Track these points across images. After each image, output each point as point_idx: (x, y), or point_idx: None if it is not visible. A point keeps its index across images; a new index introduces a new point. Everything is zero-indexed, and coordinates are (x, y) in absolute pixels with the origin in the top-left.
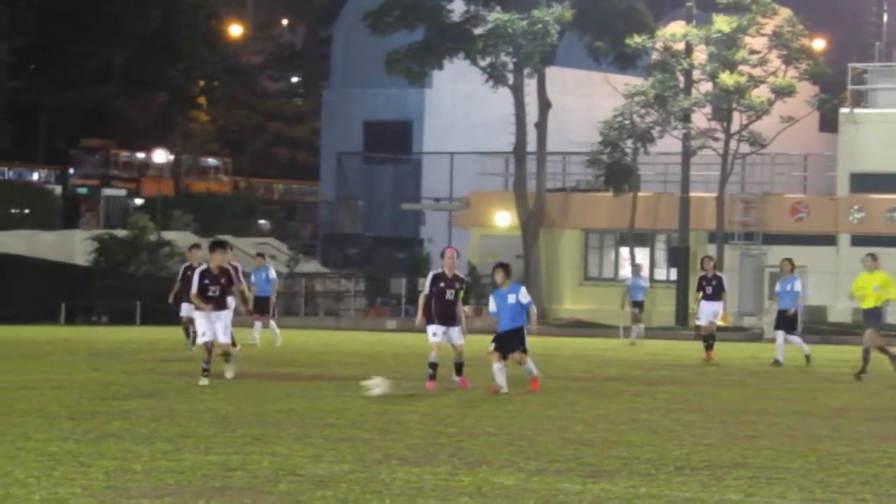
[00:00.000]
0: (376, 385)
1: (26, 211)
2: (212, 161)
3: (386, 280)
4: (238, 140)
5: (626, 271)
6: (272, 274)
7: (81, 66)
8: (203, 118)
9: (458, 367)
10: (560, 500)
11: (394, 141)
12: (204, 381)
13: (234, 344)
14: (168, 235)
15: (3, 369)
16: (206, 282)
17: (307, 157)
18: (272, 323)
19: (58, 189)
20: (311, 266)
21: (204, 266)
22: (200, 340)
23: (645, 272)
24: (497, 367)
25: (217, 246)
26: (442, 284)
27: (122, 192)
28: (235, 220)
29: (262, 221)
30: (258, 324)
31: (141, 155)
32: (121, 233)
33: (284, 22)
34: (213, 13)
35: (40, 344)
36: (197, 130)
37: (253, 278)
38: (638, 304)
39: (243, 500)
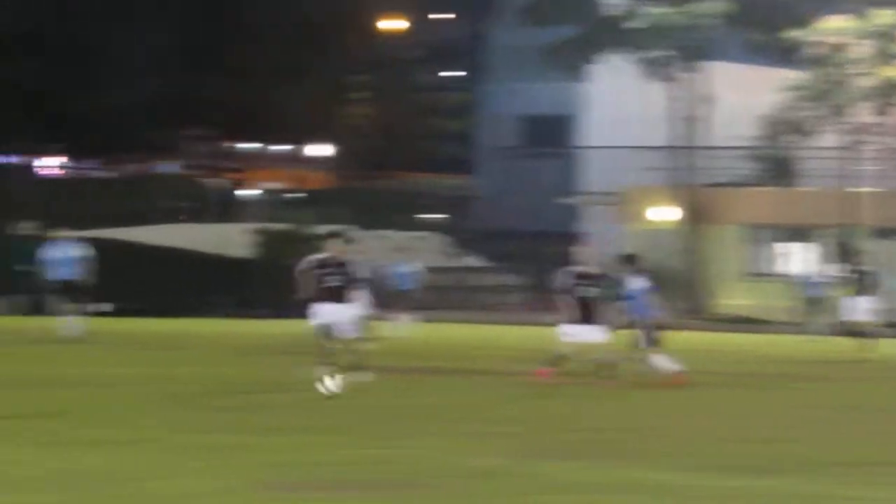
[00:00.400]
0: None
1: (185, 204)
2: (322, 151)
3: (542, 274)
4: (395, 134)
5: (790, 267)
6: (412, 268)
7: (243, 60)
8: (361, 112)
9: (603, 366)
10: (725, 497)
11: (550, 135)
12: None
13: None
14: (326, 229)
15: (162, 361)
16: (326, 271)
17: (463, 151)
18: (405, 316)
19: (216, 182)
20: (468, 260)
21: (323, 255)
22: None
23: (821, 268)
24: (656, 358)
25: (333, 235)
26: (579, 281)
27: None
28: (393, 214)
29: (420, 215)
30: (403, 316)
31: (249, 145)
32: (280, 226)
33: (443, 16)
34: (371, 6)
35: (198, 336)
36: (354, 125)
37: (392, 271)
38: (815, 301)
39: (396, 493)
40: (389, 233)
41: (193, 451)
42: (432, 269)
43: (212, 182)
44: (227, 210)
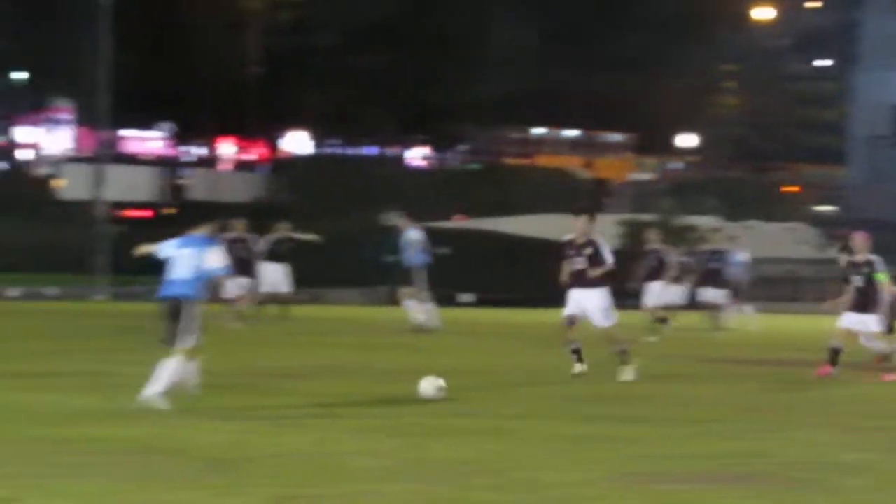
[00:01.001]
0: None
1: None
2: (615, 137)
3: None
4: (764, 124)
5: None
6: (742, 258)
7: (608, 51)
8: (729, 102)
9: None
10: None
11: None
12: (577, 369)
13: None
14: (694, 220)
15: (515, 351)
16: (571, 252)
17: (834, 140)
18: (744, 307)
19: (585, 173)
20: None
21: (570, 236)
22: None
23: None
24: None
25: (582, 211)
26: (852, 269)
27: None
28: (761, 205)
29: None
30: (745, 308)
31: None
32: (646, 217)
33: (812, 4)
34: None
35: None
36: (722, 115)
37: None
38: None
39: (770, 486)
40: (757, 223)
41: (556, 442)
42: (801, 261)
43: (578, 172)
44: (596, 200)
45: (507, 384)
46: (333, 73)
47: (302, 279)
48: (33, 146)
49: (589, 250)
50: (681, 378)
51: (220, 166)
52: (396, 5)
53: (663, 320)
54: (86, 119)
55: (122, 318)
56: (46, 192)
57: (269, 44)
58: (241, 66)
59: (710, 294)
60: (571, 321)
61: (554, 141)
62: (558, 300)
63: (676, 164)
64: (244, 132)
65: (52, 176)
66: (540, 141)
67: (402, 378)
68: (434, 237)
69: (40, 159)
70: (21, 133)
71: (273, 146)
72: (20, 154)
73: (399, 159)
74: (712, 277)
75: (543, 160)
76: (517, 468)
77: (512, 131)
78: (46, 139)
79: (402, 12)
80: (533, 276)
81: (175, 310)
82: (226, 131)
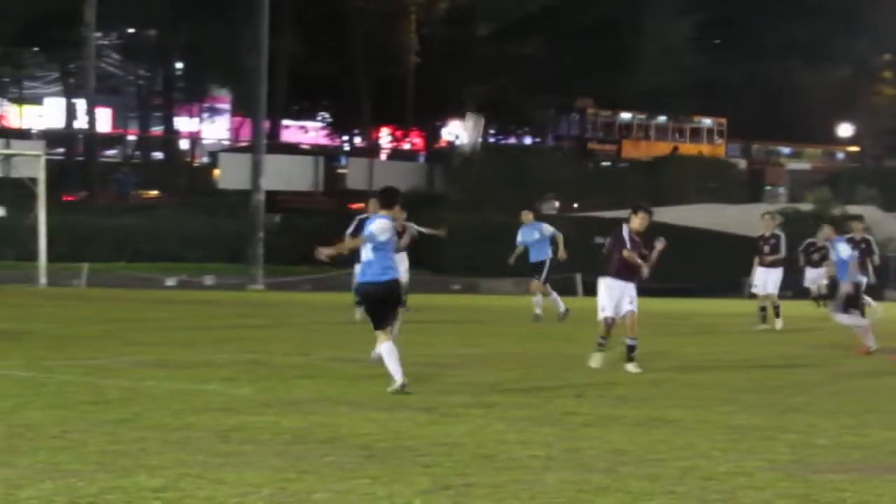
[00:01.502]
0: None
1: (712, 185)
2: (706, 122)
3: None
4: None
5: None
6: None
7: (765, 40)
8: (888, 92)
9: None
10: None
11: None
12: (594, 360)
13: None
14: (852, 209)
15: (664, 340)
16: (629, 246)
17: None
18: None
19: (742, 163)
20: None
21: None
22: (600, 316)
23: None
24: None
25: (639, 209)
26: None
27: (807, 166)
28: None
29: None
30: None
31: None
32: (805, 206)
33: None
34: None
35: (723, 317)
36: (881, 104)
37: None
38: None
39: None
40: None
41: (711, 431)
42: None
43: (736, 163)
44: (754, 190)
45: (660, 373)
46: (491, 63)
47: (457, 269)
48: (192, 136)
49: (644, 246)
50: (836, 367)
51: (378, 156)
52: None
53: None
54: (243, 108)
55: (277, 308)
56: (204, 182)
57: (427, 33)
58: (399, 55)
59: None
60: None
61: (641, 125)
62: (710, 291)
63: (835, 155)
64: (401, 122)
65: (209, 166)
66: (628, 126)
67: (556, 367)
68: (590, 227)
69: (198, 149)
70: (180, 123)
71: (430, 136)
72: (179, 143)
73: (555, 149)
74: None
75: (629, 146)
76: (672, 457)
77: (598, 114)
78: (205, 129)
79: (559, 1)
80: (689, 266)
81: (381, 294)
82: (383, 121)
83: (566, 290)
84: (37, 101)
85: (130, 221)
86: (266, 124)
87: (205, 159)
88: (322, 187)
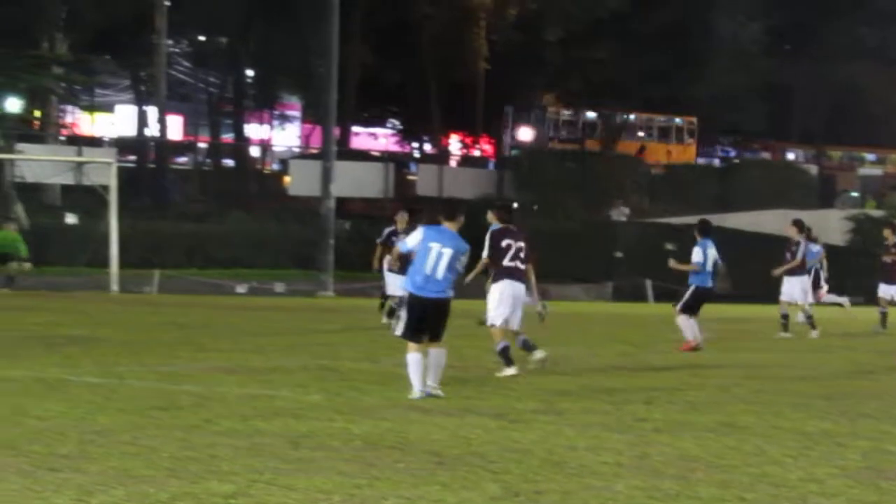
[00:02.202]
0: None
1: (782, 191)
2: (676, 120)
3: None
4: None
5: None
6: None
7: (834, 43)
8: None
9: None
10: None
11: None
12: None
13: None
14: None
15: (736, 347)
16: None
17: None
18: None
19: (813, 168)
20: None
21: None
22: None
23: None
24: None
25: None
26: None
27: (878, 172)
28: None
29: None
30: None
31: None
32: (876, 213)
33: None
34: None
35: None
36: None
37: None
38: None
39: None
40: None
41: (783, 437)
42: None
43: (810, 168)
44: (827, 196)
45: (730, 379)
46: (559, 68)
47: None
48: (262, 143)
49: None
50: None
51: (447, 162)
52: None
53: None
54: (313, 115)
55: (347, 314)
56: (274, 188)
57: (497, 39)
58: (469, 61)
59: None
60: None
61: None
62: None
63: None
64: (471, 128)
65: (280, 172)
66: (593, 124)
67: (626, 372)
68: (662, 232)
69: (269, 156)
70: (250, 130)
71: (499, 142)
72: (249, 151)
73: (626, 154)
74: None
75: (594, 145)
76: (743, 464)
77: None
78: (275, 136)
79: (627, 6)
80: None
81: (435, 307)
82: (453, 127)
83: (636, 295)
84: (108, 108)
85: (201, 228)
86: (336, 131)
87: (275, 166)
88: (392, 194)
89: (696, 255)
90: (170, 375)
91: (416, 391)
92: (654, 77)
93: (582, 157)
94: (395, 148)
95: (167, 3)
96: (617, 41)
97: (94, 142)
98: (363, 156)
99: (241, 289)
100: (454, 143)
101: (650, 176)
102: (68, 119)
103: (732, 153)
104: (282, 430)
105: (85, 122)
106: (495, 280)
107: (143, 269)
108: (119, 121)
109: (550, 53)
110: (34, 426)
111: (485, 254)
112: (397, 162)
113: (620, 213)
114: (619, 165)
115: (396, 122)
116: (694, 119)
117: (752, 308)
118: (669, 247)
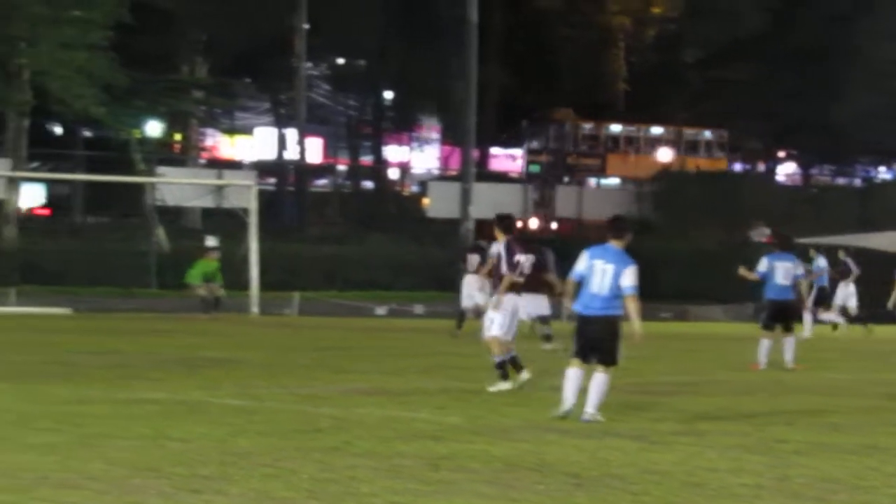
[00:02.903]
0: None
1: None
2: (705, 134)
3: None
4: None
5: None
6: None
7: None
8: None
9: None
10: None
11: None
12: None
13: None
14: None
15: (881, 367)
16: None
17: None
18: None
19: None
20: None
21: None
22: None
23: None
24: None
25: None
26: None
27: None
28: None
29: None
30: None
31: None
32: None
33: None
34: None
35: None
36: None
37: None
38: None
39: None
40: None
41: None
42: None
43: None
44: None
45: (873, 400)
46: (699, 89)
47: (666, 296)
48: (401, 165)
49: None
50: None
51: (585, 182)
52: (761, 19)
53: None
54: (452, 137)
55: None
56: (413, 211)
57: (635, 60)
58: (608, 83)
59: None
60: None
61: (631, 138)
62: None
63: None
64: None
65: (419, 194)
66: (615, 138)
67: (766, 394)
68: (801, 254)
69: (408, 178)
70: (389, 152)
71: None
72: (388, 173)
73: (766, 175)
74: None
75: (616, 160)
76: (884, 485)
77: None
78: (414, 158)
79: (767, 26)
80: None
81: (600, 325)
82: None
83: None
84: (248, 131)
85: (341, 250)
86: (475, 153)
87: (414, 188)
88: (531, 215)
89: (761, 265)
90: (309, 397)
91: (563, 408)
92: (792, 96)
93: (721, 177)
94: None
95: (306, 27)
96: (756, 62)
97: (234, 165)
98: (502, 177)
99: (380, 311)
100: None
101: (789, 196)
102: (208, 142)
103: (873, 173)
104: (421, 451)
105: (225, 146)
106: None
107: (282, 292)
108: (259, 144)
109: (689, 74)
110: (176, 448)
111: (504, 269)
112: (535, 183)
113: (760, 234)
114: (758, 186)
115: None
116: (725, 133)
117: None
118: (805, 268)
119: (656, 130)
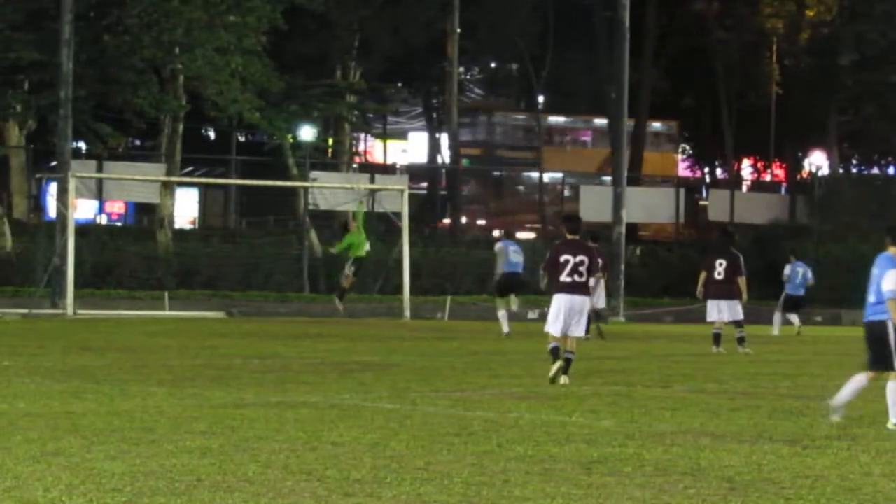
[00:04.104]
0: None
1: None
2: (654, 125)
3: None
4: None
5: None
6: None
7: None
8: None
9: None
10: None
11: None
12: None
13: None
14: None
15: None
16: None
17: None
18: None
19: None
20: None
21: None
22: None
23: None
24: None
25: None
26: None
27: None
28: None
29: None
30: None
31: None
32: None
33: None
34: None
35: None
36: None
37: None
38: None
39: None
40: None
41: None
42: None
43: None
44: None
45: None
46: (853, 92)
47: (820, 300)
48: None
49: None
50: None
51: (739, 187)
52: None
53: None
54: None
55: (639, 340)
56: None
57: (789, 63)
58: (761, 86)
59: None
60: None
61: (569, 129)
62: None
63: None
64: (763, 153)
65: (571, 198)
66: (550, 129)
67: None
68: None
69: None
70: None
71: (792, 167)
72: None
73: None
74: None
75: (552, 152)
76: None
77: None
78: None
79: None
80: None
81: (872, 334)
82: (745, 152)
83: None
84: (401, 136)
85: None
86: (626, 156)
87: (567, 192)
88: (683, 219)
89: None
90: (462, 401)
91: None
92: None
93: (880, 180)
94: (687, 173)
95: (459, 31)
96: None
97: (387, 169)
98: (655, 181)
99: (532, 315)
100: (746, 168)
101: None
102: (361, 146)
103: None
104: (574, 455)
105: (378, 150)
106: (552, 293)
107: (434, 296)
108: (411, 148)
109: (844, 77)
110: (329, 451)
111: (542, 267)
112: (688, 187)
113: None
114: None
115: (688, 147)
116: (674, 123)
117: None
118: None
119: (601, 122)
